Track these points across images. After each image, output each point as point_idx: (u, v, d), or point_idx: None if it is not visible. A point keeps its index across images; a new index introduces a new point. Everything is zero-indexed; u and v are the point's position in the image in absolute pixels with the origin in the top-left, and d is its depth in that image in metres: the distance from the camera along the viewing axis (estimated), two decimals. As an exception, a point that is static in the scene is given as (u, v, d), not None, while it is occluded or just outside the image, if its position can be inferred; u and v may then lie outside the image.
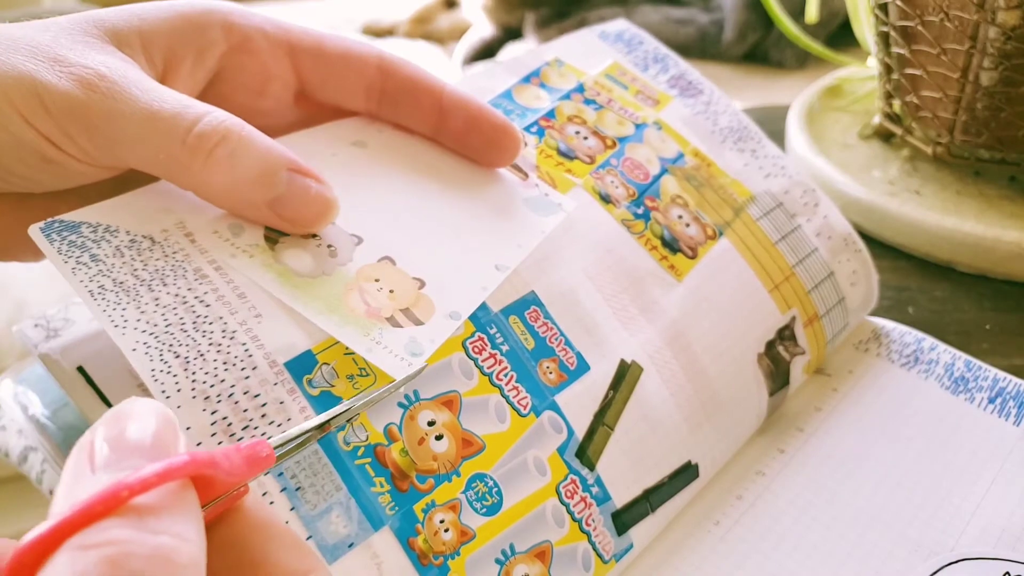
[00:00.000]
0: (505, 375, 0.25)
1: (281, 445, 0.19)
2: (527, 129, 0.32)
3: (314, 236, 0.25)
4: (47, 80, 0.22)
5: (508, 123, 0.29)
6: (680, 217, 0.32)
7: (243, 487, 0.18)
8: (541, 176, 0.30)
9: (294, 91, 0.28)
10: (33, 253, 0.27)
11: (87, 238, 0.22)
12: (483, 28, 1.39)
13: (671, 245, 0.31)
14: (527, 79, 0.34)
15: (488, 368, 0.25)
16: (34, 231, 0.22)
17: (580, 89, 0.34)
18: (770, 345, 0.31)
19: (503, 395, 0.25)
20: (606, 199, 0.31)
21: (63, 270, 0.22)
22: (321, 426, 0.20)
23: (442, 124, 0.29)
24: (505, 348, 0.26)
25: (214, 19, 0.26)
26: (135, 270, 0.22)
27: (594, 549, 0.25)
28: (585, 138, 0.32)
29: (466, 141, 0.29)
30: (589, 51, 0.36)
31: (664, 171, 0.33)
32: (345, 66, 0.28)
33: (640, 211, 0.31)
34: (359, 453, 0.22)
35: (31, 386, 0.33)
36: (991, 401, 0.32)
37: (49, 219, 0.23)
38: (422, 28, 1.53)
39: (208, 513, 0.17)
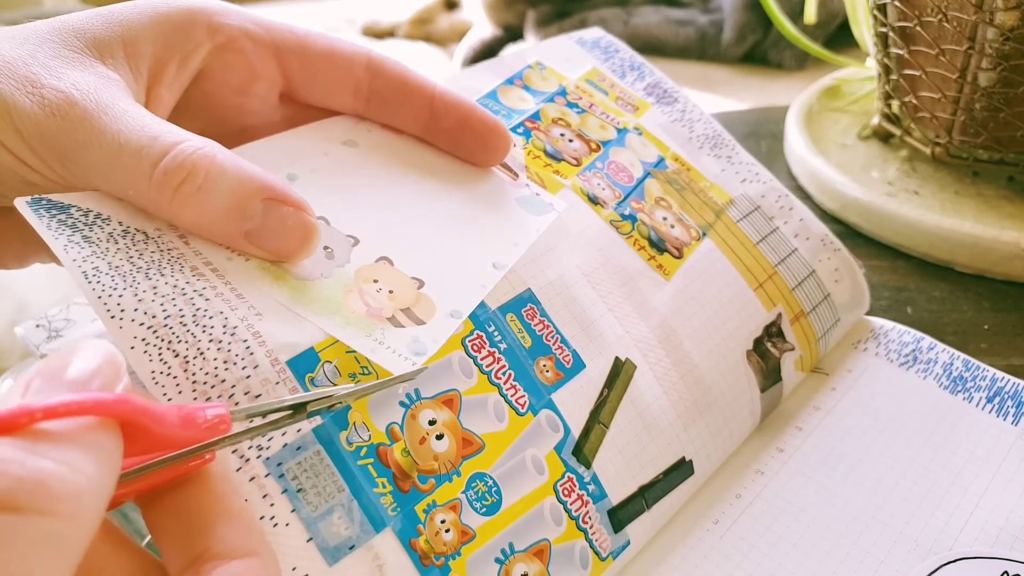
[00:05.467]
0: (503, 373, 0.25)
1: (249, 416, 0.18)
2: (514, 130, 0.32)
3: None
4: (19, 103, 0.21)
5: (499, 123, 0.29)
6: (665, 219, 0.32)
7: (208, 454, 0.17)
8: (531, 176, 0.31)
9: (280, 90, 0.28)
10: (18, 259, 0.26)
11: (78, 220, 0.22)
12: (483, 29, 1.40)
13: (658, 245, 0.31)
14: (510, 81, 0.34)
15: (487, 366, 0.25)
16: (21, 204, 0.21)
17: (563, 92, 0.35)
18: (758, 342, 0.32)
19: (501, 394, 0.25)
20: (594, 200, 0.31)
21: (55, 246, 0.21)
22: (296, 408, 0.19)
23: (433, 123, 0.29)
24: (503, 346, 0.26)
25: (198, 19, 0.26)
26: (131, 257, 0.21)
27: (591, 546, 0.25)
28: (570, 141, 0.33)
29: (458, 140, 0.29)
30: (569, 56, 0.37)
31: (647, 174, 0.33)
32: (332, 65, 0.28)
33: (627, 212, 0.31)
34: (362, 453, 0.22)
35: (32, 386, 0.33)
36: (989, 400, 0.32)
37: (36, 196, 0.22)
38: (422, 29, 1.53)
39: (161, 473, 0.16)
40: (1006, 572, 0.26)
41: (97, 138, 0.21)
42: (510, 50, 1.34)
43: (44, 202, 0.22)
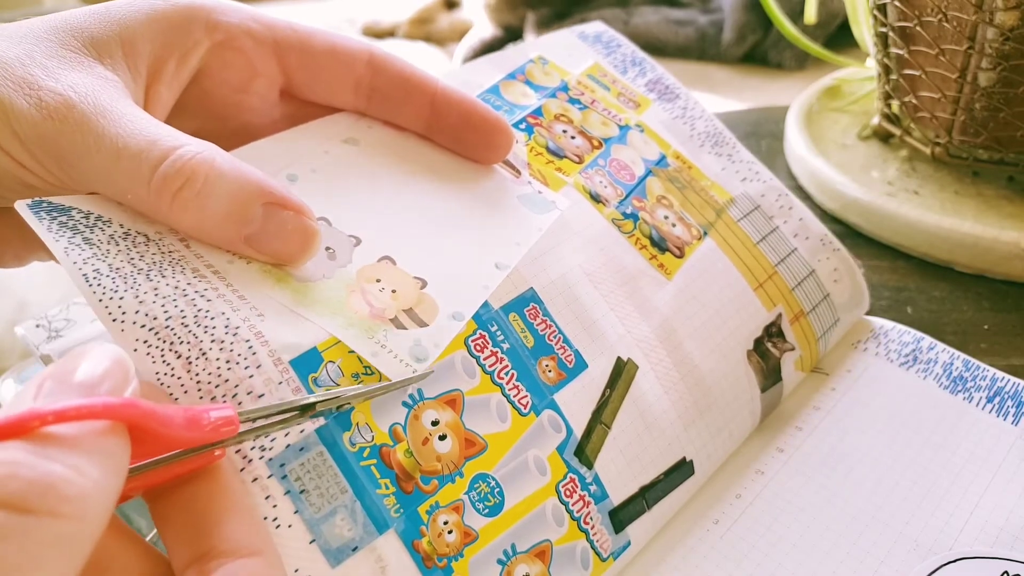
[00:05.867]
0: (506, 374, 0.25)
1: (255, 419, 0.18)
2: (516, 126, 0.32)
3: None
4: (16, 105, 0.21)
5: (502, 120, 0.29)
6: (666, 217, 0.32)
7: (217, 451, 0.18)
8: (533, 174, 0.31)
9: (280, 88, 0.28)
10: (17, 258, 0.26)
11: (79, 222, 0.22)
12: (483, 29, 1.40)
13: (659, 244, 0.31)
14: (512, 75, 0.34)
15: (490, 367, 0.25)
16: (21, 206, 0.21)
17: (564, 88, 0.35)
18: (758, 342, 0.32)
19: (504, 394, 0.25)
20: (596, 198, 0.31)
21: (55, 248, 0.21)
22: (304, 408, 0.19)
23: (435, 120, 0.29)
24: (506, 346, 0.26)
25: (197, 17, 0.25)
26: (132, 259, 0.21)
27: (592, 547, 0.25)
28: (572, 137, 0.33)
29: (460, 138, 0.29)
30: (570, 51, 0.37)
31: (649, 172, 0.33)
32: (333, 62, 0.27)
33: (628, 211, 0.31)
34: (365, 454, 0.22)
35: (33, 387, 0.34)
36: (989, 400, 0.32)
37: (36, 198, 0.21)
38: (422, 29, 1.53)
39: (168, 469, 0.17)
40: (1006, 572, 0.26)
41: (95, 142, 0.21)
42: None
43: (45, 204, 0.22)
